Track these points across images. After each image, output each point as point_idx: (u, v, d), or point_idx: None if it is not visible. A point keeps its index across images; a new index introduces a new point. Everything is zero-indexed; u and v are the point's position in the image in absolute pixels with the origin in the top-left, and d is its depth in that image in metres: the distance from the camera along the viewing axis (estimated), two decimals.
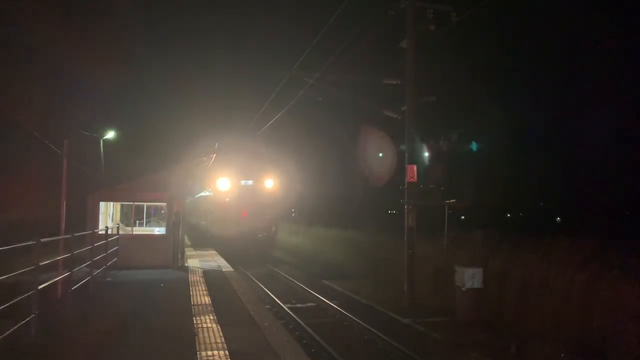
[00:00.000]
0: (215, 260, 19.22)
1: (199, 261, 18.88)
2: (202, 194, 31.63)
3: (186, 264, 17.21)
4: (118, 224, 17.81)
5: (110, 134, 32.05)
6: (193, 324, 8.60)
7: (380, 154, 31.18)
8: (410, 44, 14.78)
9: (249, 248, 24.43)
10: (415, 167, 14.45)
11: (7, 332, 6.67)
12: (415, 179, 14.44)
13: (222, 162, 25.40)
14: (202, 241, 27.84)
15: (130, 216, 18.52)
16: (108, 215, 18.16)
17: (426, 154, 14.65)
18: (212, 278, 14.45)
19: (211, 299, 10.95)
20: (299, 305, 15.36)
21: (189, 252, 21.68)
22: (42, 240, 7.60)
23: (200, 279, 14.21)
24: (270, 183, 26.08)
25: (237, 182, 25.49)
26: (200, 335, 7.83)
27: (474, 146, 14.44)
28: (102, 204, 16.72)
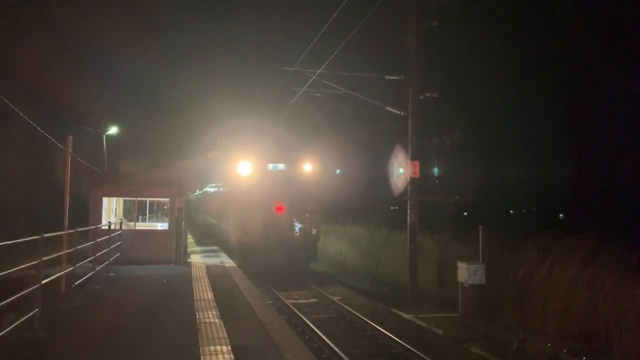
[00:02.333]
0: (218, 256, 19.25)
1: (201, 257, 18.91)
2: (208, 188, 28.25)
3: (189, 260, 17.25)
4: (121, 219, 17.85)
5: (113, 130, 32.14)
6: (196, 318, 8.63)
7: None
8: (412, 39, 14.76)
9: (280, 258, 17.82)
10: (418, 163, 14.43)
11: (11, 326, 6.70)
12: (417, 175, 14.43)
13: (241, 142, 19.90)
14: (208, 238, 26.74)
15: (133, 211, 18.56)
16: (111, 210, 18.21)
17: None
18: (214, 273, 14.47)
19: (214, 294, 10.97)
20: None
21: (192, 248, 21.71)
22: (45, 235, 7.62)
23: (203, 274, 14.24)
24: (309, 168, 19.33)
25: (262, 167, 18.82)
26: (203, 330, 7.85)
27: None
28: (105, 200, 16.76)
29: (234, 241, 18.86)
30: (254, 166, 18.73)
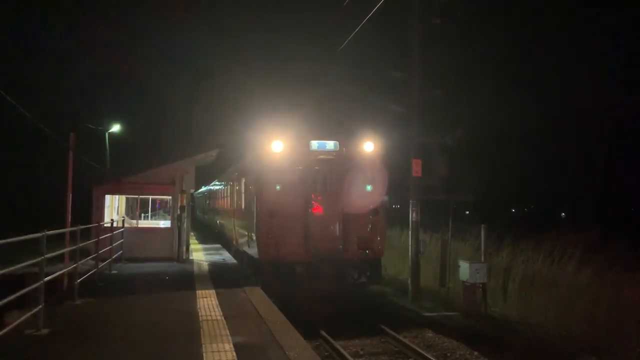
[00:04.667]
0: (220, 254, 19.28)
1: (204, 254, 18.93)
2: (216, 184, 24.85)
3: (191, 257, 17.28)
4: (123, 216, 17.91)
5: (116, 127, 32.24)
6: (198, 316, 8.65)
7: None
8: (416, 37, 14.76)
9: (329, 280, 12.39)
10: (420, 162, 14.43)
11: (14, 324, 6.73)
12: (419, 173, 14.43)
13: (272, 113, 15.11)
14: (211, 237, 26.52)
15: (135, 209, 18.60)
16: (113, 208, 18.25)
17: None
18: (217, 271, 14.50)
19: (216, 292, 10.99)
20: None
21: (194, 246, 21.74)
22: (48, 232, 7.64)
23: (205, 271, 14.27)
24: (370, 147, 13.34)
25: (302, 146, 13.05)
26: (205, 327, 7.87)
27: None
28: (107, 197, 16.81)
29: (259, 256, 12.73)
30: (289, 146, 12.93)
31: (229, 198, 18.99)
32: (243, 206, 15.24)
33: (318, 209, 12.72)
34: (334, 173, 12.98)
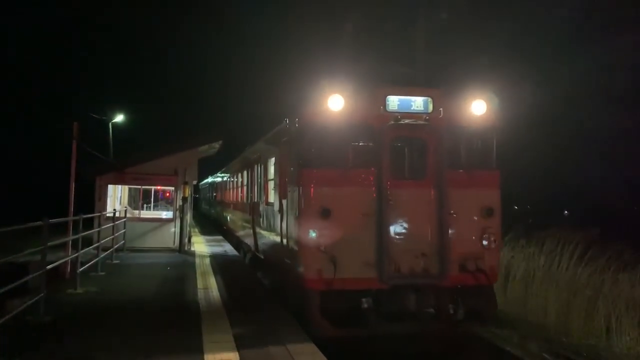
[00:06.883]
0: (221, 246, 19.32)
1: (205, 246, 18.98)
2: (223, 174, 22.74)
3: (192, 249, 17.32)
4: (126, 207, 17.95)
5: (120, 117, 32.30)
6: (199, 307, 8.68)
7: None
8: (421, 32, 14.74)
9: (417, 323, 8.20)
10: None
11: (16, 311, 6.78)
12: None
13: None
14: (212, 228, 26.52)
15: (137, 199, 18.63)
16: (116, 198, 18.31)
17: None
18: (218, 262, 14.53)
19: (217, 283, 11.02)
20: None
21: (196, 237, 21.78)
22: (50, 221, 7.67)
23: (207, 263, 14.31)
24: (481, 109, 8.47)
25: (372, 104, 8.21)
26: (206, 318, 7.90)
27: None
28: (110, 187, 16.86)
29: (306, 280, 7.92)
30: (353, 103, 8.13)
31: (246, 188, 14.61)
32: (272, 199, 10.46)
33: (399, 206, 8.14)
34: (425, 148, 8.38)
